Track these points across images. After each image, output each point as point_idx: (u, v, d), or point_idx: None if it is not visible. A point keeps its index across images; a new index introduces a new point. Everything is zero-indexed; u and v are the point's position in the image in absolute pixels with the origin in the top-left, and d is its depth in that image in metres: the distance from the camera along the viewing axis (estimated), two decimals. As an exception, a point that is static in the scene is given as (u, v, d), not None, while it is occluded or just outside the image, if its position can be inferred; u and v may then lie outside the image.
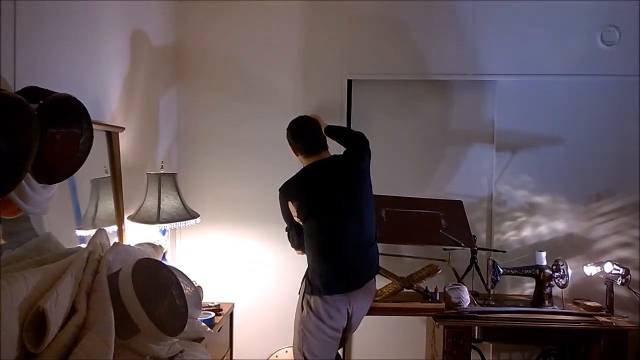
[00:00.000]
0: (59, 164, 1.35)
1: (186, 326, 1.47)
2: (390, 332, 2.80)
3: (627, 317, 2.43)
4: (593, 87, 2.73)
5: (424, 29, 2.74)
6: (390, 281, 2.48)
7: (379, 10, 2.75)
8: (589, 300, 2.55)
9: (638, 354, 2.50)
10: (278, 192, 2.25)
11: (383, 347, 2.83)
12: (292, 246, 2.34)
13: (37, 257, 1.36)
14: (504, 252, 2.74)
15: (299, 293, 2.22)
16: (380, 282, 2.46)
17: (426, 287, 2.48)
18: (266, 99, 2.81)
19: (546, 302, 2.51)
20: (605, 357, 2.30)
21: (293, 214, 2.23)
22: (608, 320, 2.36)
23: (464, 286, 2.45)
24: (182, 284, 1.53)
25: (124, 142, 2.14)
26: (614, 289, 2.48)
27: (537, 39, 2.69)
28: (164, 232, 2.31)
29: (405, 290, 2.48)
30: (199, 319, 1.89)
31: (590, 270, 2.56)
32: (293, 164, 2.34)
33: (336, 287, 2.11)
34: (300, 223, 2.22)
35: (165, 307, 1.40)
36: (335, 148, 2.40)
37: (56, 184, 1.39)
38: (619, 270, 2.42)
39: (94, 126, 1.45)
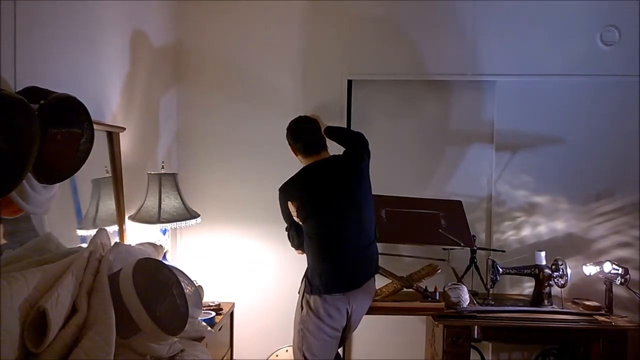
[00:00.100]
0: (60, 164, 1.35)
1: (187, 325, 1.47)
2: (390, 332, 2.81)
3: (626, 316, 2.44)
4: (593, 87, 2.74)
5: (423, 29, 2.74)
6: (390, 281, 2.49)
7: (379, 10, 2.75)
8: (588, 300, 2.56)
9: (637, 354, 2.50)
10: (278, 192, 2.26)
11: (383, 347, 2.83)
12: (292, 246, 2.35)
13: (38, 257, 1.36)
14: (504, 251, 2.75)
15: (298, 292, 2.23)
16: (380, 281, 2.47)
17: (426, 287, 2.48)
18: (266, 99, 2.82)
19: (545, 302, 2.51)
20: (605, 357, 2.30)
21: (293, 214, 2.24)
22: (607, 319, 2.37)
23: (463, 286, 2.45)
24: (182, 284, 1.54)
25: (125, 142, 2.14)
26: (613, 289, 2.48)
27: (537, 39, 2.70)
28: (164, 231, 2.31)
29: (405, 289, 2.48)
30: (199, 318, 1.90)
31: (590, 270, 2.56)
32: (293, 164, 2.34)
33: (336, 287, 2.11)
34: (300, 223, 2.22)
35: (165, 306, 1.40)
36: (334, 148, 2.40)
37: (57, 184, 1.39)
38: (618, 270, 2.42)
39: (95, 126, 1.45)
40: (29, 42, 1.49)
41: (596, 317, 2.39)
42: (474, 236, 2.64)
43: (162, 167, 2.36)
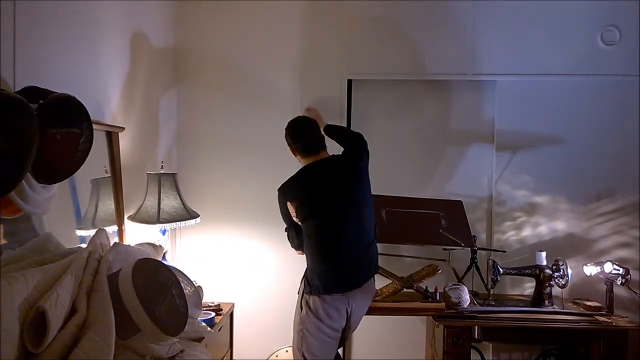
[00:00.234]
0: (59, 164, 1.35)
1: (186, 326, 1.47)
2: (390, 332, 2.80)
3: (626, 317, 2.44)
4: (593, 87, 2.73)
5: (424, 29, 2.74)
6: (390, 281, 2.49)
7: (378, 10, 2.75)
8: (588, 300, 2.55)
9: (638, 354, 2.50)
10: (277, 193, 2.26)
11: (383, 347, 2.83)
12: (292, 246, 2.34)
13: (38, 257, 1.36)
14: (504, 252, 2.75)
15: (298, 293, 2.22)
16: (381, 282, 2.47)
17: (426, 287, 2.48)
18: (266, 99, 2.81)
19: (546, 302, 2.51)
20: (605, 357, 2.30)
21: (292, 214, 2.23)
22: (608, 320, 2.37)
23: (463, 286, 2.45)
24: (182, 284, 1.53)
25: (124, 142, 2.14)
26: (614, 289, 2.48)
27: (537, 39, 2.69)
28: (164, 232, 2.31)
29: (405, 290, 2.48)
30: (199, 318, 1.89)
31: (590, 270, 2.56)
32: (293, 164, 2.34)
33: (335, 287, 2.11)
34: (299, 223, 2.22)
35: (165, 306, 1.40)
36: (334, 148, 2.40)
37: (56, 184, 1.39)
38: (618, 270, 2.42)
39: (94, 126, 1.45)
40: (29, 42, 1.49)
41: (597, 317, 2.39)
42: (474, 236, 2.64)
43: (162, 167, 2.36)
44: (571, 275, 2.49)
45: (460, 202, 2.70)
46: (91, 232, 1.69)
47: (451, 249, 2.57)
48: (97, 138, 1.52)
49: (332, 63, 2.77)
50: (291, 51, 2.80)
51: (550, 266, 2.53)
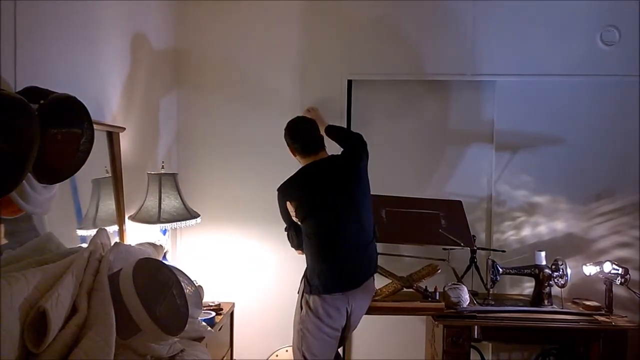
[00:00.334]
0: (60, 164, 1.35)
1: (187, 325, 1.47)
2: (390, 332, 2.81)
3: (626, 316, 2.44)
4: (593, 87, 2.74)
5: (423, 29, 2.74)
6: (390, 281, 2.49)
7: (378, 10, 2.75)
8: (588, 300, 2.56)
9: (637, 354, 2.50)
10: (276, 192, 2.26)
11: (383, 347, 2.83)
12: (291, 246, 2.35)
13: (38, 257, 1.36)
14: (504, 251, 2.75)
15: (298, 292, 2.23)
16: (380, 281, 2.47)
17: (426, 287, 2.49)
18: (266, 99, 2.82)
19: (545, 302, 2.51)
20: (605, 357, 2.30)
21: (291, 213, 2.24)
22: (607, 319, 2.37)
23: (463, 286, 2.45)
24: (182, 284, 1.54)
25: (125, 142, 2.14)
26: (613, 289, 2.48)
27: (537, 39, 2.70)
28: (164, 231, 2.31)
29: (405, 289, 2.48)
30: (199, 318, 1.90)
31: (590, 270, 2.56)
32: (293, 164, 2.34)
33: (335, 286, 2.11)
34: (299, 223, 2.22)
35: (165, 306, 1.40)
36: (333, 148, 2.40)
37: (57, 184, 1.39)
38: (618, 270, 2.43)
39: (95, 126, 1.45)
40: (29, 42, 1.49)
41: (596, 317, 2.40)
42: (474, 236, 2.64)
43: (162, 167, 2.36)
44: (570, 275, 2.49)
45: (460, 202, 2.70)
46: (92, 232, 1.69)
47: (451, 249, 2.58)
48: (98, 138, 1.53)
49: (332, 63, 2.78)
50: (291, 51, 2.81)
51: (550, 266, 2.54)
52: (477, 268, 2.63)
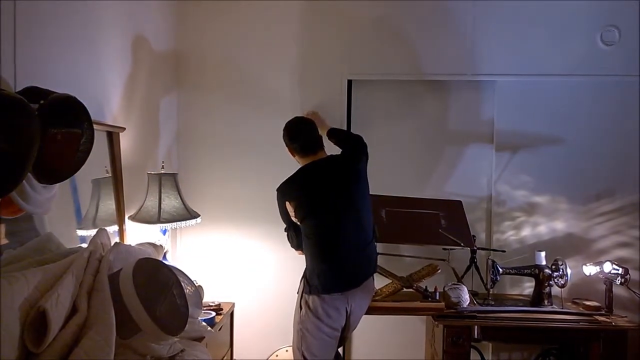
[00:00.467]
0: (60, 164, 1.35)
1: (187, 325, 1.47)
2: (390, 332, 2.81)
3: (626, 316, 2.44)
4: (593, 87, 2.74)
5: (424, 29, 2.74)
6: (390, 281, 2.49)
7: (378, 10, 2.75)
8: (588, 300, 2.56)
9: (637, 354, 2.50)
10: (276, 193, 2.26)
11: (383, 347, 2.83)
12: (291, 246, 2.35)
13: (38, 257, 1.36)
14: (504, 251, 2.75)
15: (297, 293, 2.23)
16: (380, 281, 2.47)
17: (426, 287, 2.49)
18: (266, 99, 2.82)
19: (545, 302, 2.51)
20: (605, 357, 2.30)
21: (291, 214, 2.24)
22: (607, 319, 2.37)
23: (463, 286, 2.45)
24: (182, 284, 1.54)
25: (125, 142, 2.14)
26: (613, 289, 2.48)
27: (537, 39, 2.70)
28: (164, 231, 2.31)
29: (405, 289, 2.48)
30: (199, 318, 1.90)
31: (590, 270, 2.56)
32: (292, 164, 2.34)
33: (334, 286, 2.12)
34: (298, 223, 2.22)
35: (166, 306, 1.40)
36: (332, 149, 2.40)
37: (57, 184, 1.40)
38: (618, 270, 2.43)
39: (95, 126, 1.45)
40: (29, 42, 1.49)
41: (596, 317, 2.40)
42: (474, 236, 2.64)
43: (162, 167, 2.36)
44: (570, 275, 2.49)
45: (460, 202, 2.70)
46: (92, 232, 1.69)
47: (451, 249, 2.58)
48: (98, 138, 1.53)
49: (332, 63, 2.78)
50: (291, 51, 2.81)
51: (550, 266, 2.54)
52: (477, 268, 2.63)
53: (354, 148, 2.34)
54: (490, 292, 2.56)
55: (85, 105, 1.40)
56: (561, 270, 2.49)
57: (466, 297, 2.41)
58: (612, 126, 2.73)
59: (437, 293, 2.46)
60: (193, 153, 2.85)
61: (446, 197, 2.76)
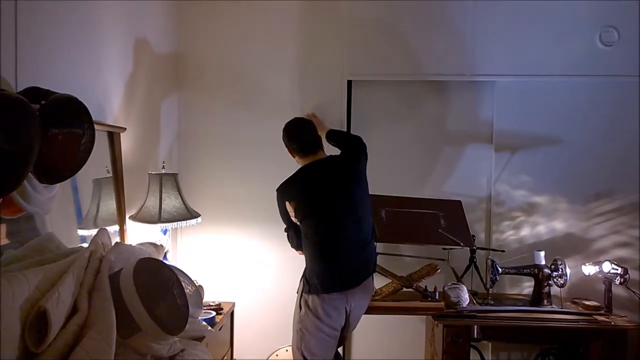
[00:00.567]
0: (61, 164, 1.35)
1: (187, 325, 1.48)
2: (390, 331, 2.81)
3: (625, 316, 2.44)
4: (592, 87, 2.74)
5: (424, 29, 2.74)
6: (390, 280, 2.49)
7: (378, 11, 2.75)
8: (587, 300, 2.56)
9: (637, 353, 2.50)
10: (275, 193, 2.26)
11: (383, 346, 2.84)
12: (291, 246, 2.35)
13: (39, 257, 1.36)
14: (503, 251, 2.75)
15: (297, 292, 2.23)
16: (380, 281, 2.47)
17: (425, 287, 2.49)
18: (266, 99, 2.82)
19: (545, 302, 2.52)
20: (604, 356, 2.31)
21: (290, 214, 2.24)
22: (607, 319, 2.37)
23: (463, 285, 2.46)
24: (183, 283, 1.54)
25: (126, 142, 2.15)
26: (613, 289, 2.49)
27: (537, 39, 2.70)
28: (165, 231, 2.31)
29: (404, 289, 2.49)
30: (200, 318, 1.90)
31: (589, 269, 2.56)
32: (292, 164, 2.35)
33: (334, 286, 2.12)
34: (298, 223, 2.23)
35: (166, 306, 1.40)
36: (331, 149, 2.41)
37: (58, 184, 1.40)
38: (617, 269, 2.43)
39: (96, 126, 1.45)
40: (30, 42, 1.50)
41: (595, 316, 2.40)
42: (473, 236, 2.65)
43: (163, 167, 2.36)
44: (570, 274, 2.49)
45: (460, 202, 2.71)
46: (93, 232, 1.70)
47: (450, 249, 2.58)
48: (99, 138, 1.53)
49: (331, 63, 2.78)
50: (291, 52, 2.81)
51: (549, 266, 2.54)
52: (476, 268, 2.63)
53: (354, 148, 2.35)
54: (490, 292, 2.56)
55: (86, 106, 1.40)
56: (560, 270, 2.49)
57: (466, 297, 2.42)
58: (611, 126, 2.74)
59: (437, 293, 2.47)
60: (193, 153, 2.85)
61: (446, 197, 2.76)
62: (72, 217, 1.75)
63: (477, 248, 2.64)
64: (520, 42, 2.70)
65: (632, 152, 2.71)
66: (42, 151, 1.21)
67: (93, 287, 1.35)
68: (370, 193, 2.31)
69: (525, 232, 2.80)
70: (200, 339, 1.81)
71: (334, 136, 2.48)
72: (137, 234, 2.21)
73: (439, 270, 2.48)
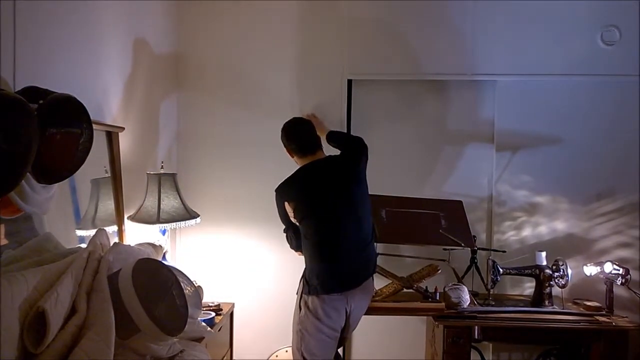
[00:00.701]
0: (59, 164, 1.35)
1: (186, 326, 1.47)
2: (390, 332, 2.80)
3: (627, 317, 2.44)
4: (593, 87, 2.73)
5: (424, 29, 2.74)
6: (390, 281, 2.49)
7: (378, 10, 2.75)
8: (588, 300, 2.55)
9: (638, 354, 2.50)
10: (274, 193, 2.26)
11: (383, 347, 2.83)
12: (290, 247, 2.34)
13: (38, 257, 1.36)
14: (504, 252, 2.75)
15: (297, 293, 2.22)
16: (381, 282, 2.47)
17: (426, 287, 2.48)
18: (266, 99, 2.82)
19: (546, 302, 2.51)
20: (605, 357, 2.30)
21: (290, 214, 2.24)
22: (608, 320, 2.37)
23: (463, 286, 2.45)
24: (182, 284, 1.53)
25: (124, 142, 2.14)
26: (614, 289, 2.48)
27: (537, 39, 2.69)
28: (164, 232, 2.31)
29: (405, 290, 2.48)
30: (199, 318, 1.89)
31: (590, 270, 2.56)
32: (292, 164, 2.34)
33: (333, 287, 2.11)
34: (297, 224, 2.22)
35: (165, 306, 1.40)
36: (331, 149, 2.40)
37: (56, 184, 1.39)
38: (618, 270, 2.42)
39: (94, 126, 1.45)
40: (29, 42, 1.49)
41: (597, 317, 2.39)
42: (474, 236, 2.64)
43: (162, 167, 2.36)
44: (571, 275, 2.49)
45: (460, 202, 2.70)
46: (91, 232, 1.69)
47: (451, 249, 2.57)
48: (97, 138, 1.52)
49: (332, 63, 2.77)
50: (291, 52, 2.80)
51: (550, 266, 2.53)
52: (477, 268, 2.63)
53: (354, 149, 2.34)
54: (491, 293, 2.56)
55: (85, 105, 1.40)
56: (562, 271, 2.49)
57: (466, 298, 2.41)
58: (612, 126, 2.73)
59: (438, 293, 2.46)
60: (192, 153, 2.85)
61: (446, 197, 2.76)
62: (71, 218, 1.74)
63: (478, 248, 2.63)
64: (521, 42, 2.70)
65: (633, 152, 2.71)
66: (40, 151, 1.21)
67: (92, 288, 1.34)
68: (370, 193, 2.31)
69: (526, 232, 2.80)
70: (199, 339, 1.80)
71: (335, 137, 2.47)
72: (136, 234, 2.20)
73: (439, 271, 2.47)
